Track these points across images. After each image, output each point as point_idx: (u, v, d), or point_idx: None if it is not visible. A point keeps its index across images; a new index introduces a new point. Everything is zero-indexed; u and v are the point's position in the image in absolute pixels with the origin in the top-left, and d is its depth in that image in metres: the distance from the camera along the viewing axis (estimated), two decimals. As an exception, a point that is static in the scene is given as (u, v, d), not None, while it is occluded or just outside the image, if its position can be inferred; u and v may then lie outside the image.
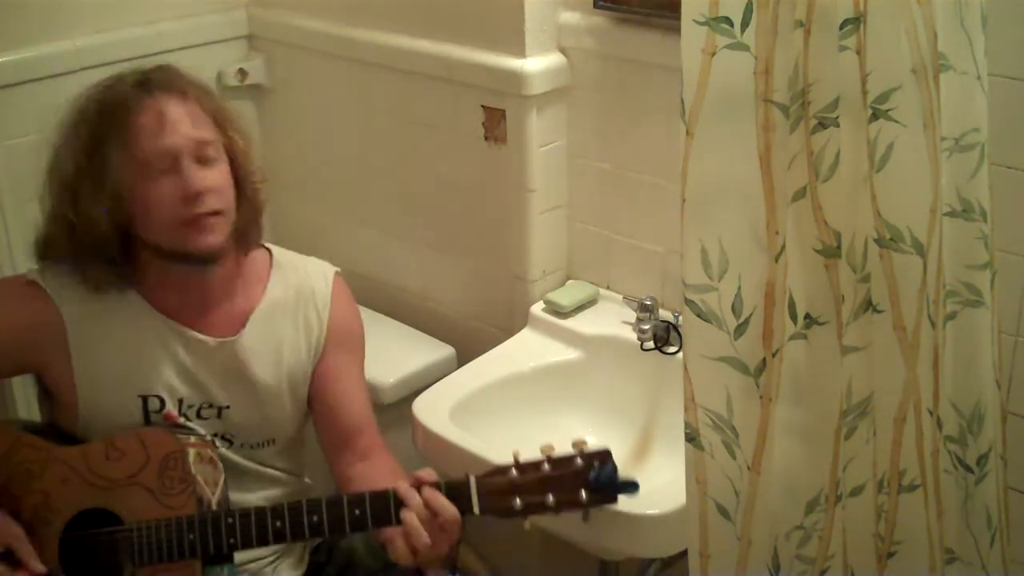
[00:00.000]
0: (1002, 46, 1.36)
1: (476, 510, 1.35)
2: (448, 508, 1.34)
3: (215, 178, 1.45)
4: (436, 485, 1.36)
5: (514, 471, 1.35)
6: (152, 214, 1.44)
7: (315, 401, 1.61)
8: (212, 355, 1.53)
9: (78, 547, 1.43)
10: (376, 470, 1.56)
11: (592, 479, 1.33)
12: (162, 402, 1.51)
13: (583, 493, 1.33)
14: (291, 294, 1.59)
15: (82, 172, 1.45)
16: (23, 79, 1.98)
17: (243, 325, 1.55)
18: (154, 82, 1.46)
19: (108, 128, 1.43)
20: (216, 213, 1.45)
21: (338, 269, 1.66)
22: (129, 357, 1.50)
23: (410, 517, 1.34)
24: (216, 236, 1.46)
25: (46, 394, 1.55)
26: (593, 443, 1.37)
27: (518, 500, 1.34)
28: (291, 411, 1.60)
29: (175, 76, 1.49)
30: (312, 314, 1.59)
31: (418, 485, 1.37)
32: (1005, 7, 1.37)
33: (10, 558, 1.37)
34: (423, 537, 1.34)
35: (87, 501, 1.43)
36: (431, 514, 1.35)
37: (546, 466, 1.35)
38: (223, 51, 2.28)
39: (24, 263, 2.02)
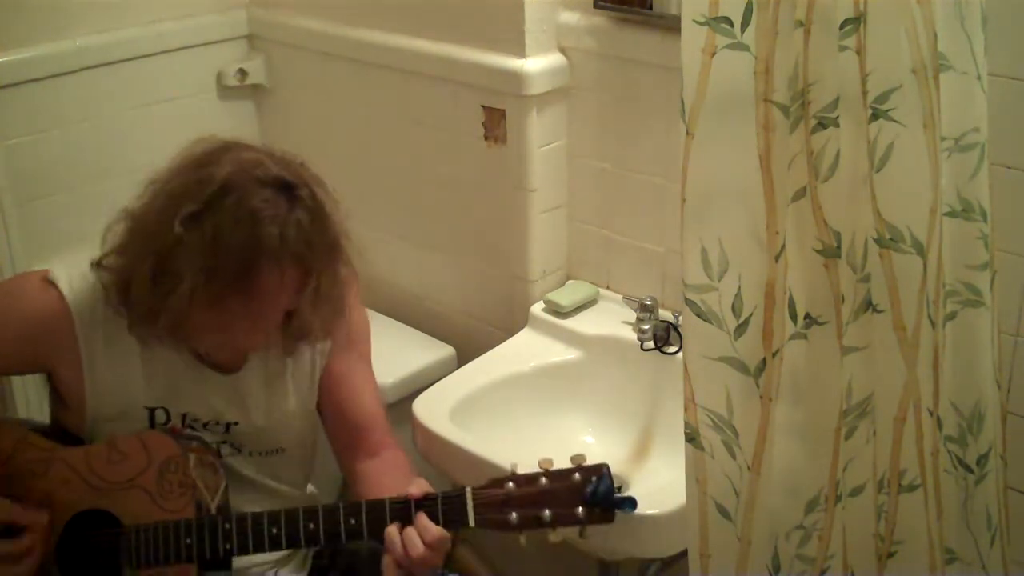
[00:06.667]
0: (1002, 46, 1.36)
1: (472, 523, 1.34)
2: (430, 530, 1.33)
3: (269, 331, 1.43)
4: (431, 497, 1.35)
5: (511, 484, 1.33)
6: (199, 333, 1.41)
7: (323, 403, 1.61)
8: (221, 383, 1.51)
9: (77, 548, 1.43)
10: (384, 466, 1.56)
11: (589, 494, 1.31)
12: (168, 415, 1.50)
13: (580, 509, 1.31)
14: None
15: (195, 292, 1.33)
16: (23, 79, 1.98)
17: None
18: (286, 240, 1.33)
19: (232, 275, 1.32)
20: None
21: None
22: (138, 368, 1.48)
23: (393, 534, 1.34)
24: (237, 361, 1.49)
25: (56, 394, 1.54)
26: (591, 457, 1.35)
27: (514, 514, 1.32)
28: (299, 416, 1.59)
29: (305, 229, 1.36)
30: None
31: (412, 498, 1.35)
32: (1005, 7, 1.37)
33: (10, 532, 1.38)
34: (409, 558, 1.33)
35: (87, 502, 1.43)
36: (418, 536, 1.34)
37: (543, 480, 1.33)
38: (223, 51, 2.29)
39: (24, 262, 2.02)
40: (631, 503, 1.33)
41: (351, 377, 1.60)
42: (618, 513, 1.33)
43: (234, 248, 1.31)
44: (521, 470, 1.35)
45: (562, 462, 1.35)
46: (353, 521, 1.36)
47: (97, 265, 1.43)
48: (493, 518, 1.33)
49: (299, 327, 1.45)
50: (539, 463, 1.35)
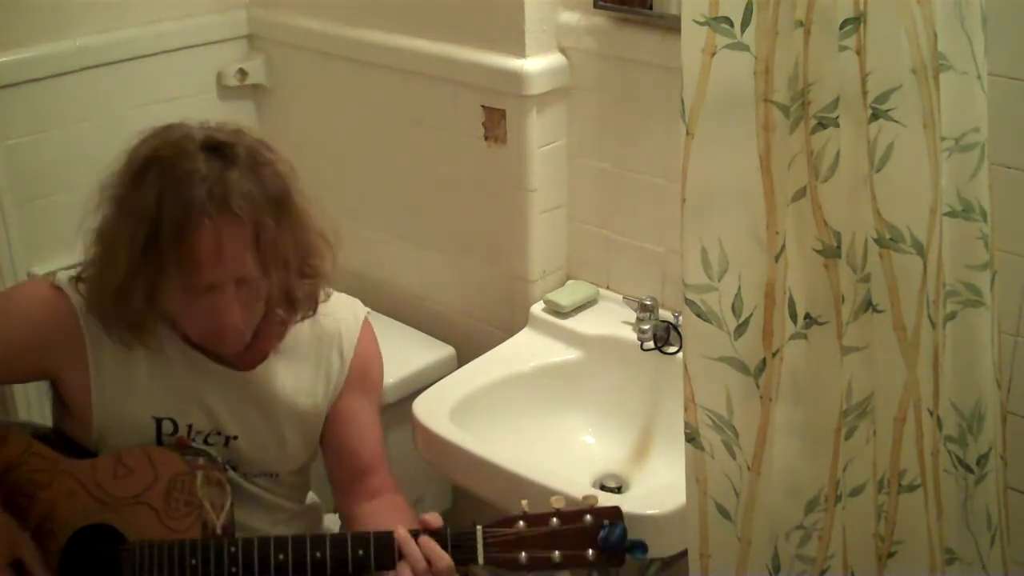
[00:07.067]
0: (1002, 46, 1.36)
1: (481, 561, 1.33)
2: (443, 558, 1.33)
3: (248, 303, 1.41)
4: (442, 532, 1.35)
5: (522, 523, 1.33)
6: (183, 319, 1.43)
7: (327, 439, 1.60)
8: (227, 385, 1.51)
9: (79, 562, 1.42)
10: (382, 509, 1.54)
11: (601, 539, 1.30)
12: (175, 426, 1.49)
13: (590, 552, 1.31)
14: (316, 334, 1.56)
15: (133, 264, 1.37)
16: (23, 79, 1.98)
17: (263, 359, 1.53)
18: (217, 198, 1.33)
19: (168, 242, 1.34)
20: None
21: (368, 310, 1.63)
22: (146, 377, 1.48)
23: (403, 569, 1.33)
24: (237, 345, 1.45)
25: (60, 402, 1.53)
26: (603, 499, 1.34)
27: (524, 554, 1.31)
28: (300, 448, 1.58)
29: (240, 184, 1.35)
30: (335, 357, 1.57)
31: (423, 530, 1.35)
32: (1005, 7, 1.37)
33: (18, 568, 1.37)
34: None
35: (92, 516, 1.42)
36: (427, 563, 1.33)
37: (554, 520, 1.32)
38: (223, 51, 2.28)
39: (24, 262, 2.02)
40: (642, 548, 1.32)
41: (358, 419, 1.60)
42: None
43: (165, 217, 1.33)
44: (531, 509, 1.33)
45: (562, 462, 1.35)
46: (361, 552, 1.35)
47: (76, 279, 1.46)
48: (503, 557, 1.32)
49: (270, 295, 1.44)
50: (550, 501, 1.34)
